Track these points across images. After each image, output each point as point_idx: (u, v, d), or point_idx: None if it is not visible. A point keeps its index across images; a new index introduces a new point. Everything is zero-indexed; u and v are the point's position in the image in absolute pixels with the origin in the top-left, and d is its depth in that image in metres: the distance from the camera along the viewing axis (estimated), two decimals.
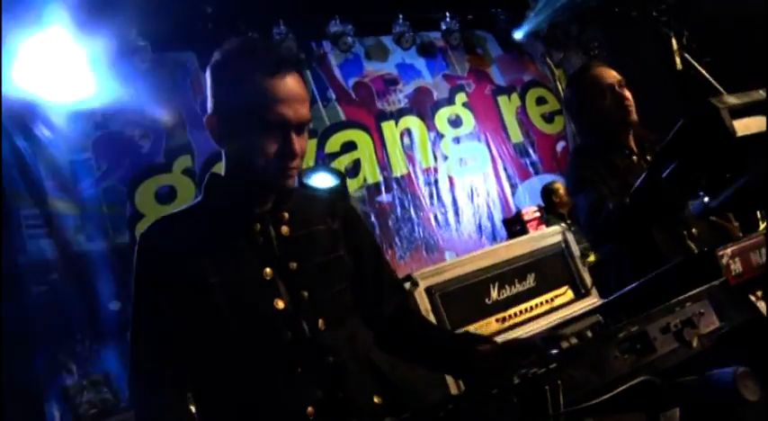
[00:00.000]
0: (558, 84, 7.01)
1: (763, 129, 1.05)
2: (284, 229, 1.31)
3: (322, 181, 5.28)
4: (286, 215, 1.33)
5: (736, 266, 1.05)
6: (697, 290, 0.95)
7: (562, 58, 7.01)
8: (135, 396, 1.27)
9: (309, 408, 1.23)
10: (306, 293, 1.29)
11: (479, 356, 1.28)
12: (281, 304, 1.26)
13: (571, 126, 6.63)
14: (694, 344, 0.90)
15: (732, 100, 1.01)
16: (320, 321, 1.28)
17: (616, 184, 1.90)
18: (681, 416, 0.91)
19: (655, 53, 5.71)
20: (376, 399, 1.32)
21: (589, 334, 1.04)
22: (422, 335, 1.46)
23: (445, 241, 5.96)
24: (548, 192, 5.47)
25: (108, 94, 4.86)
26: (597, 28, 6.94)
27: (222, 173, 1.34)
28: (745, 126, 1.01)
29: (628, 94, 2.09)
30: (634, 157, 2.08)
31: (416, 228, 5.89)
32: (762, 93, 1.06)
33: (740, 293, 1.05)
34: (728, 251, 1.05)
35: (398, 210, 5.88)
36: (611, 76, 2.10)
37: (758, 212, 2.57)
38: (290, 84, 1.23)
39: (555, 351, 1.05)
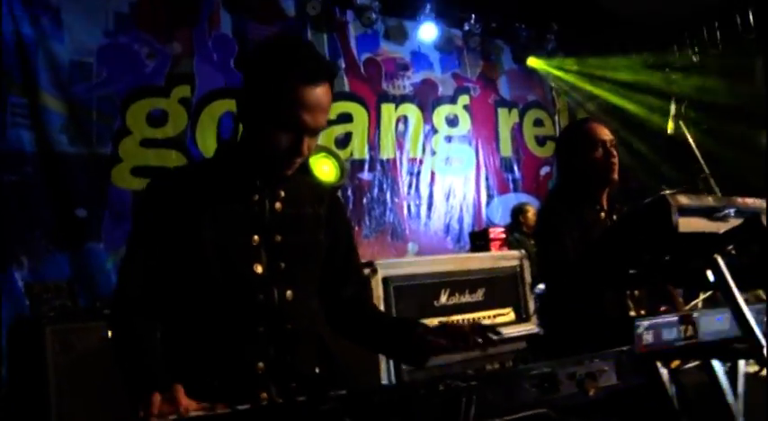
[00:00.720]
0: (558, 113, 7.20)
1: (704, 229, 1.24)
2: (278, 205, 1.46)
3: (323, 168, 5.28)
4: (282, 193, 1.47)
5: (648, 338, 1.24)
6: (607, 351, 1.14)
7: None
8: (113, 317, 1.40)
9: (260, 364, 1.39)
10: (283, 264, 1.43)
11: (415, 337, 1.44)
12: (259, 269, 1.41)
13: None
14: (591, 393, 1.09)
15: (684, 200, 1.18)
16: (289, 292, 1.43)
17: (578, 236, 2.09)
18: None
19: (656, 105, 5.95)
20: (317, 370, 1.49)
21: (510, 363, 1.22)
22: (370, 321, 1.62)
23: (411, 232, 6.13)
24: (518, 211, 5.69)
25: (125, 5, 4.88)
26: None
27: (238, 139, 1.46)
28: (688, 224, 1.19)
29: (615, 153, 2.28)
30: (602, 214, 2.27)
31: (388, 212, 6.04)
32: (710, 199, 1.24)
33: (645, 361, 1.24)
34: (645, 323, 1.23)
35: (375, 190, 6.01)
36: (605, 133, 2.28)
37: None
38: (319, 94, 1.34)
39: (480, 340, 1.25)
